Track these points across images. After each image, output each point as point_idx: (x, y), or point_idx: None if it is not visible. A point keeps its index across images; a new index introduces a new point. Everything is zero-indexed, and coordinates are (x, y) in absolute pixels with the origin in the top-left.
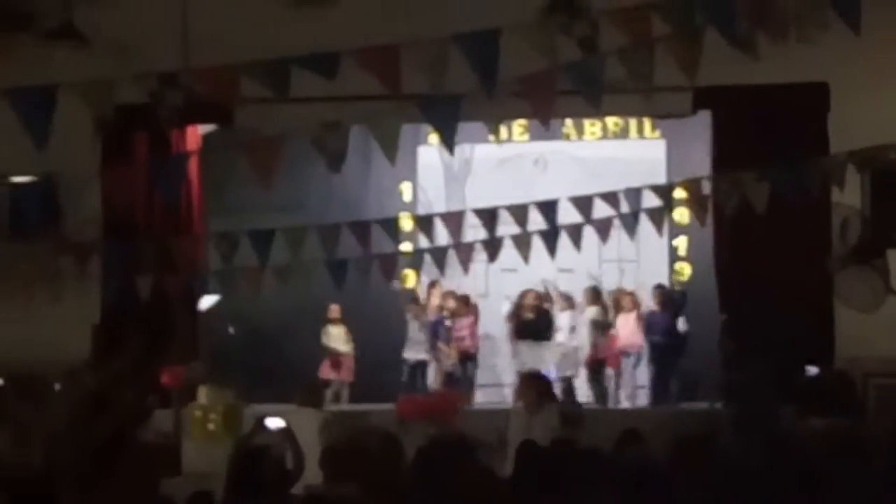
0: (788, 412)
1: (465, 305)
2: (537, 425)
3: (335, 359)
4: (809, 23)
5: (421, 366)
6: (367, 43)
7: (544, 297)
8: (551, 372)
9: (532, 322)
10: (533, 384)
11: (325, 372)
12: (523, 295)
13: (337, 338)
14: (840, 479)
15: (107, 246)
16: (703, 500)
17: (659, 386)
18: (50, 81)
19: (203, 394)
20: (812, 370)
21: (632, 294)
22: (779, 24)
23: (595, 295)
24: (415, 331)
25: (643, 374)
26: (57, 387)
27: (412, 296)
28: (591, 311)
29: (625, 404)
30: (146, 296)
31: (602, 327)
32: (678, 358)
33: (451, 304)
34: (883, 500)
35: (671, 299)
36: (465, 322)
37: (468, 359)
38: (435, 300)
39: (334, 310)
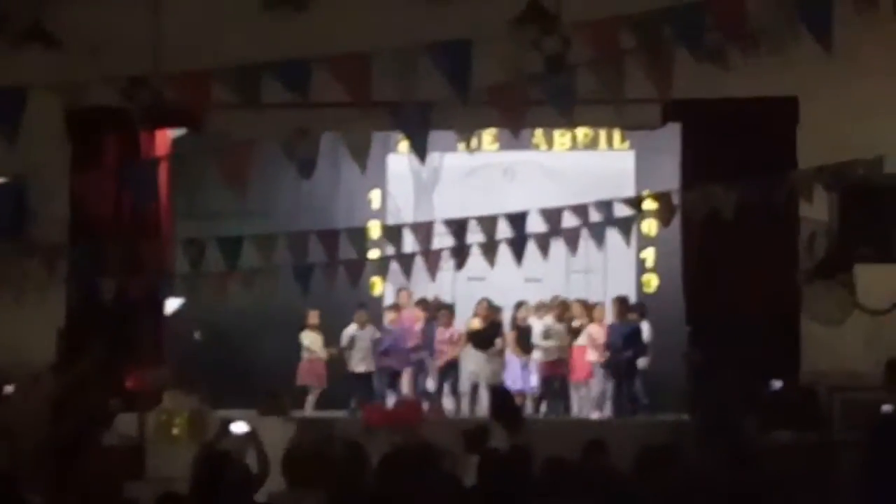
0: (752, 424)
1: (448, 314)
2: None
3: (312, 364)
4: (780, 37)
5: (365, 378)
6: (340, 50)
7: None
8: (521, 384)
9: (480, 332)
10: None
11: (304, 377)
12: (478, 304)
13: (315, 343)
14: (802, 490)
15: (73, 249)
16: None
17: (623, 395)
18: (20, 83)
19: (168, 398)
20: (776, 384)
21: (599, 306)
22: (750, 38)
23: (559, 306)
24: (362, 340)
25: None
26: (9, 389)
27: (360, 302)
28: (549, 322)
29: (594, 415)
30: (111, 299)
31: (559, 338)
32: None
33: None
34: None
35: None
36: (448, 332)
37: (451, 367)
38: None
39: (313, 315)
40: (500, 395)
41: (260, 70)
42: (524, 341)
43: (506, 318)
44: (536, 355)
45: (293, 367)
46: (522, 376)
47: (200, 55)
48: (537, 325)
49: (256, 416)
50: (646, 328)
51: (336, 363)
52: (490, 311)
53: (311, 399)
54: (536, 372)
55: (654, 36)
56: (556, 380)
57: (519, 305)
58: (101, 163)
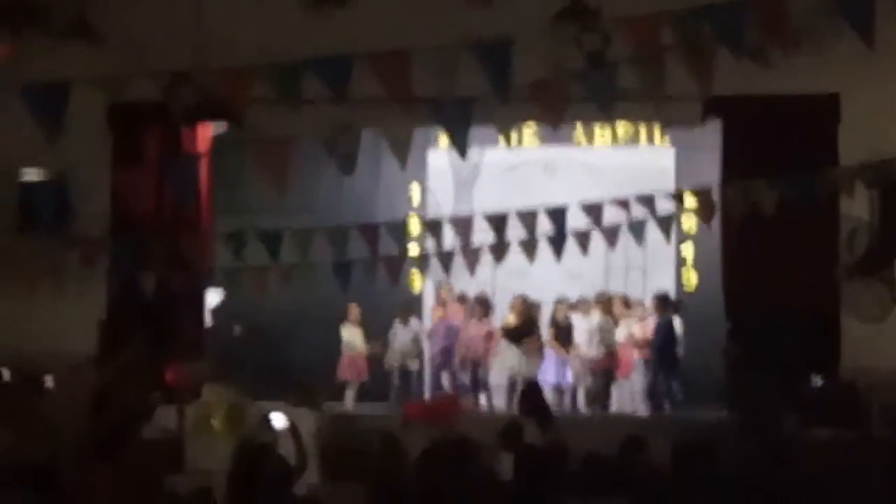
0: (791, 421)
1: (482, 309)
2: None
3: (353, 359)
4: (822, 34)
5: (406, 373)
6: (381, 47)
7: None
8: (559, 378)
9: (515, 327)
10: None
11: (344, 372)
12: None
13: (355, 338)
14: (841, 488)
15: (114, 243)
16: None
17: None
18: (63, 78)
19: (207, 392)
20: (817, 381)
21: (641, 303)
22: (791, 35)
23: (606, 301)
24: (403, 337)
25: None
26: (50, 380)
27: (405, 302)
28: (598, 317)
29: (640, 411)
30: (152, 293)
31: (610, 333)
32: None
33: (458, 307)
34: None
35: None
36: (482, 327)
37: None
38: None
39: (353, 310)
40: (529, 391)
41: (301, 66)
42: (563, 337)
43: (545, 313)
44: (585, 351)
45: (333, 361)
46: (560, 372)
47: (242, 51)
48: (582, 322)
49: (293, 409)
50: (677, 324)
51: (377, 358)
52: (525, 307)
53: (349, 393)
54: (586, 368)
55: (694, 33)
56: (607, 374)
57: (559, 301)
58: (142, 158)
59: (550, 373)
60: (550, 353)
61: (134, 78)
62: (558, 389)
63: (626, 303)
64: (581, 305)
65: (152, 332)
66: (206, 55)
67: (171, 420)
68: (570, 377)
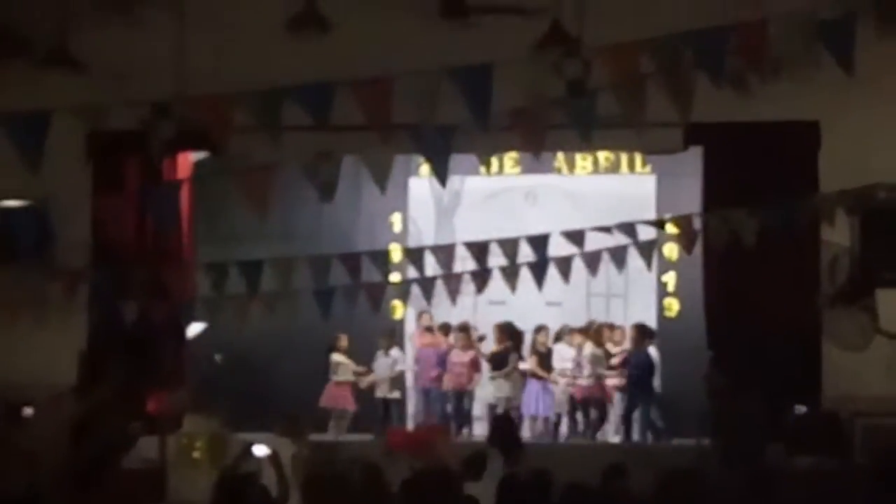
0: (774, 450)
1: (468, 337)
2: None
3: (339, 387)
4: (802, 61)
5: (388, 403)
6: (362, 74)
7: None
8: (540, 409)
9: (496, 354)
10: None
11: (329, 400)
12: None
13: (343, 366)
14: None
15: (95, 272)
16: None
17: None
18: (43, 106)
19: (188, 422)
20: (800, 409)
21: (622, 329)
22: (771, 63)
23: (597, 331)
24: (384, 365)
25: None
26: (29, 411)
27: (387, 329)
28: (590, 347)
29: (614, 439)
30: (133, 322)
31: (601, 363)
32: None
33: (441, 336)
34: None
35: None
36: (466, 355)
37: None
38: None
39: (342, 338)
40: (500, 422)
41: (282, 94)
42: (544, 365)
43: (528, 341)
44: (571, 380)
45: (315, 391)
46: (542, 401)
47: (223, 78)
48: (568, 351)
49: (275, 439)
50: (653, 353)
51: (369, 390)
52: (503, 335)
53: (332, 423)
54: (570, 398)
55: (675, 60)
56: (599, 405)
57: (539, 329)
58: (122, 186)
59: (531, 402)
60: (532, 383)
61: (114, 106)
62: (540, 419)
63: (612, 330)
64: (566, 334)
65: (133, 361)
66: (186, 83)
67: (152, 450)
68: (551, 406)
